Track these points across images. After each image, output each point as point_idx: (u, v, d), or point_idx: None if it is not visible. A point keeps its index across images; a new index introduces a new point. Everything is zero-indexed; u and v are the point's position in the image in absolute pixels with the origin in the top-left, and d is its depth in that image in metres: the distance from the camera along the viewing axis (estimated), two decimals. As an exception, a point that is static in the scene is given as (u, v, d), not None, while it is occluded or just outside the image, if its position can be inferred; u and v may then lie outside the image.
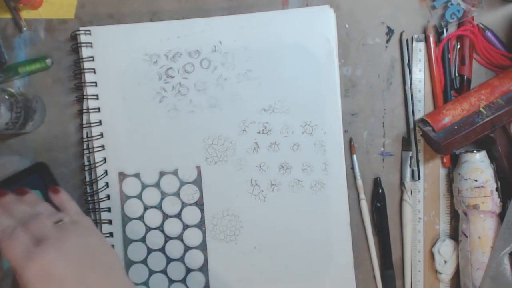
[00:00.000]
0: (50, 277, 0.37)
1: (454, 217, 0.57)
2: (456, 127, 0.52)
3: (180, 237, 0.55)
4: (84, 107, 0.55)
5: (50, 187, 0.47)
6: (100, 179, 0.55)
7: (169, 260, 0.55)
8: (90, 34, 0.54)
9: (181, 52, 0.55)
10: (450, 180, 0.56)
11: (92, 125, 0.54)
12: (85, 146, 0.55)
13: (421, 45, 0.56)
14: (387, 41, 0.56)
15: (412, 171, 0.56)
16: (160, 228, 0.55)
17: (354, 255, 0.55)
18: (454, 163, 0.56)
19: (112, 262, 0.42)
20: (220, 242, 0.55)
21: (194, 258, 0.55)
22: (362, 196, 0.56)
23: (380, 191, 0.56)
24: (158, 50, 0.54)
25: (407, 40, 0.55)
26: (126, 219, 0.55)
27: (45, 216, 0.42)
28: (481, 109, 0.52)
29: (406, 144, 0.56)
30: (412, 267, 0.57)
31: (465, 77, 0.55)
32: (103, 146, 0.55)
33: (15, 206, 0.43)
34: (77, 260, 0.39)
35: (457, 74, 0.56)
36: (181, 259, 0.55)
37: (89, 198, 0.55)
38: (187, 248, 0.55)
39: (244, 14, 0.55)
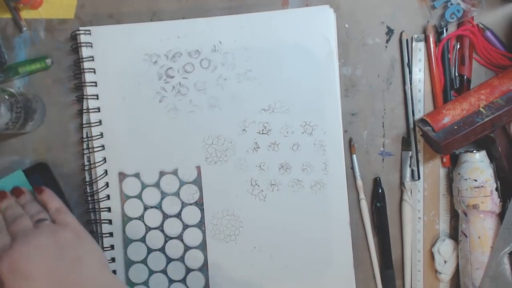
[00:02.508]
0: (18, 272, 0.41)
1: (454, 217, 0.57)
2: (456, 127, 0.52)
3: (180, 237, 0.55)
4: (84, 107, 0.55)
5: (34, 187, 0.51)
6: (100, 179, 0.55)
7: (169, 260, 0.55)
8: (90, 34, 0.54)
9: (181, 52, 0.55)
10: (450, 180, 0.56)
11: (92, 125, 0.54)
12: (85, 146, 0.55)
13: (421, 45, 0.56)
14: (387, 41, 0.56)
15: (412, 171, 0.56)
16: (160, 228, 0.55)
17: (354, 255, 0.55)
18: (454, 163, 0.56)
19: (84, 256, 0.44)
20: (220, 242, 0.55)
21: (194, 258, 0.55)
22: (362, 196, 0.56)
23: (380, 191, 0.56)
24: (158, 50, 0.55)
25: (407, 40, 0.55)
26: (126, 219, 0.55)
27: (27, 217, 0.46)
28: (481, 109, 0.52)
29: (406, 144, 0.56)
30: (412, 267, 0.57)
31: (465, 77, 0.55)
32: (103, 146, 0.55)
33: (8, 209, 0.48)
34: (44, 256, 0.42)
35: (457, 74, 0.56)
36: (181, 259, 0.55)
37: (89, 198, 0.55)
38: (187, 248, 0.55)
39: (244, 14, 0.55)
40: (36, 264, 0.41)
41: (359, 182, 0.56)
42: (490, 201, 0.52)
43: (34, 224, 0.46)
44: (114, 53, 0.54)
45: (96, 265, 0.45)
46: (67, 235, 0.45)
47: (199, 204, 0.55)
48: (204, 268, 0.55)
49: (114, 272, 0.55)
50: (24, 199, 0.50)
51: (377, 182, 0.56)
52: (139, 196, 0.55)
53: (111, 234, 0.55)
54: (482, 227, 0.53)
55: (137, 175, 0.55)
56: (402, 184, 0.56)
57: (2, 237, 0.44)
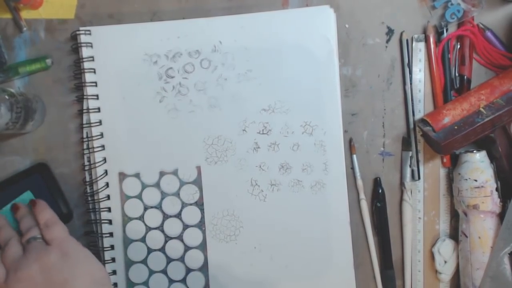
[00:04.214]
0: None
1: (454, 217, 0.57)
2: (456, 127, 0.52)
3: (180, 237, 0.55)
4: (84, 107, 0.55)
5: (30, 201, 0.52)
6: (100, 179, 0.55)
7: (169, 260, 0.55)
8: (90, 34, 0.54)
9: (181, 52, 0.55)
10: (450, 180, 0.56)
11: (92, 125, 0.54)
12: (85, 146, 0.55)
13: (421, 45, 0.56)
14: (387, 41, 0.56)
15: (412, 171, 0.56)
16: (160, 228, 0.55)
17: (354, 255, 0.55)
18: (454, 163, 0.56)
19: (71, 278, 0.45)
20: (220, 242, 0.55)
21: (194, 258, 0.55)
22: (362, 196, 0.56)
23: (380, 191, 0.56)
24: (158, 50, 0.54)
25: (407, 40, 0.55)
26: (126, 219, 0.55)
27: (16, 240, 0.48)
28: (481, 109, 0.52)
29: (406, 144, 0.56)
30: (412, 267, 0.57)
31: (465, 77, 0.55)
32: (103, 146, 0.55)
33: (1, 231, 0.50)
34: (34, 284, 0.44)
35: (457, 74, 0.56)
36: (181, 259, 0.55)
37: (89, 198, 0.55)
38: (187, 248, 0.55)
39: (244, 14, 0.55)
40: None
41: (359, 182, 0.56)
42: (490, 201, 0.52)
43: (25, 245, 0.47)
44: (114, 53, 0.54)
45: (86, 285, 0.45)
46: (52, 256, 0.46)
47: (199, 204, 0.55)
48: (204, 268, 0.55)
49: (114, 272, 0.55)
50: (20, 213, 0.51)
51: (377, 182, 0.56)
52: (139, 196, 0.55)
53: (111, 234, 0.55)
54: (482, 227, 0.53)
55: (137, 175, 0.55)
56: (402, 184, 0.56)
57: None
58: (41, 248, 0.47)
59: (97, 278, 0.46)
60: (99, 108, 0.54)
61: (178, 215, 0.55)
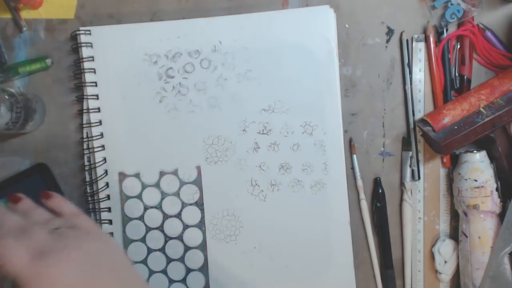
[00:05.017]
0: None
1: (454, 217, 0.57)
2: (456, 127, 0.52)
3: (180, 237, 0.55)
4: (84, 107, 0.55)
5: (43, 193, 0.44)
6: (100, 179, 0.55)
7: (169, 260, 0.55)
8: (90, 34, 0.54)
9: (181, 52, 0.55)
10: (450, 180, 0.56)
11: (92, 125, 0.54)
12: (85, 146, 0.55)
13: (421, 45, 0.56)
14: (387, 41, 0.56)
15: (412, 171, 0.56)
16: (160, 228, 0.55)
17: (354, 255, 0.55)
18: (454, 163, 0.56)
19: (116, 261, 0.40)
20: (220, 242, 0.55)
21: (194, 258, 0.55)
22: (362, 196, 0.56)
23: (380, 191, 0.56)
24: (158, 50, 0.54)
25: (407, 40, 0.55)
26: (126, 219, 0.55)
27: (39, 226, 0.38)
28: (481, 109, 0.52)
29: (406, 144, 0.56)
30: (412, 267, 0.57)
31: (465, 77, 0.55)
32: (103, 146, 0.55)
33: (10, 217, 0.39)
34: (80, 269, 0.36)
35: (457, 74, 0.56)
36: (181, 259, 0.55)
37: (89, 198, 0.55)
38: (187, 248, 0.55)
39: (244, 14, 0.55)
40: (75, 280, 0.35)
41: (359, 182, 0.56)
42: (490, 201, 0.52)
43: (51, 234, 0.38)
44: (114, 53, 0.54)
45: (126, 267, 0.41)
46: (95, 241, 0.39)
47: (199, 204, 0.55)
48: (204, 268, 0.55)
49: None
50: (25, 206, 0.42)
51: (377, 182, 0.56)
52: (139, 196, 0.55)
53: (111, 234, 0.55)
54: (482, 227, 0.53)
55: (137, 175, 0.55)
56: (402, 184, 0.56)
57: (19, 252, 0.35)
58: (80, 234, 0.39)
59: (129, 259, 0.42)
60: (99, 108, 0.54)
61: (178, 215, 0.55)
